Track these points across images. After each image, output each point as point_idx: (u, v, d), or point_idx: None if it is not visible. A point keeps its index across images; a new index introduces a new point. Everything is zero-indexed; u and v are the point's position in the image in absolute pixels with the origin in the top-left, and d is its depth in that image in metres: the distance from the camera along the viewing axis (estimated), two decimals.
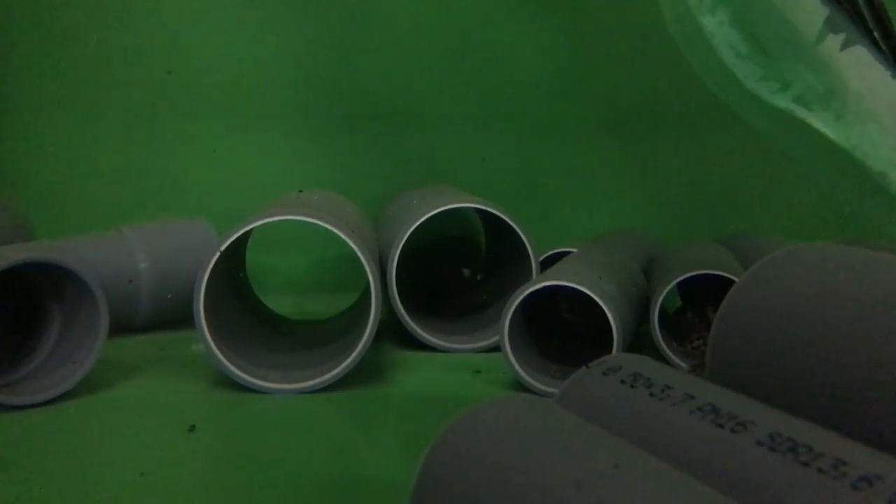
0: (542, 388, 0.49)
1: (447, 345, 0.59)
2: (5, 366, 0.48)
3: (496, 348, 0.53)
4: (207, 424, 0.44)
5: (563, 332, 0.59)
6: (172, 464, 0.39)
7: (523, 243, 0.60)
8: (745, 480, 0.21)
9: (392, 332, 0.62)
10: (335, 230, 0.50)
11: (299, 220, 0.50)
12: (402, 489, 0.26)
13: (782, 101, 0.44)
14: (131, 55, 0.80)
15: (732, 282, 0.49)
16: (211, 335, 0.48)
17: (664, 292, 0.55)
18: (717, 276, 0.54)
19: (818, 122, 0.44)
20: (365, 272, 0.50)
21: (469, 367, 0.55)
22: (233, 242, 0.50)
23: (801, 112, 0.44)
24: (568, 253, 0.62)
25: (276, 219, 0.50)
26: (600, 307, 0.48)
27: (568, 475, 0.21)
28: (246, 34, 0.82)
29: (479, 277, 0.71)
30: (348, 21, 0.82)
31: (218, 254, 0.49)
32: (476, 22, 0.83)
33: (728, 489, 0.21)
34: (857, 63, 0.44)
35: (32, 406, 0.45)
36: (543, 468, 0.21)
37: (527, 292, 0.50)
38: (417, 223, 0.58)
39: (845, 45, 0.43)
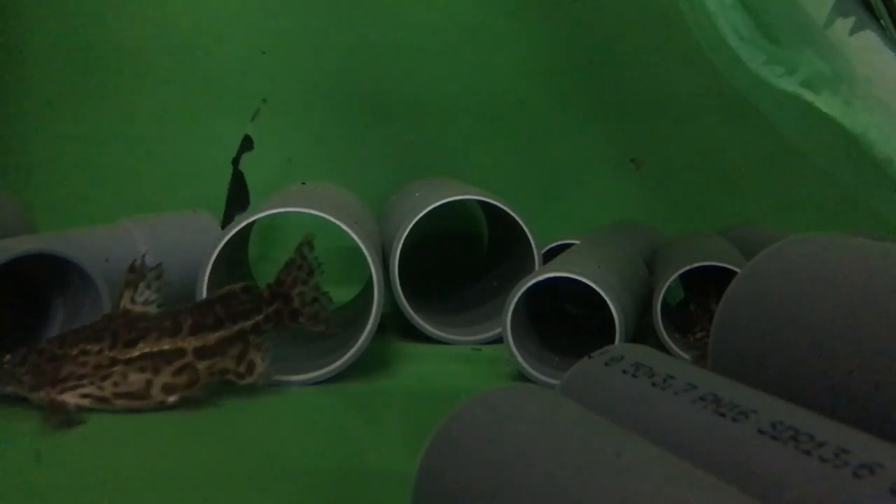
0: (545, 379, 0.49)
1: (450, 336, 0.59)
2: None
3: (499, 340, 0.53)
4: (210, 416, 0.44)
5: (565, 323, 0.59)
6: (177, 455, 0.40)
7: (526, 235, 0.59)
8: (747, 469, 0.21)
9: (395, 324, 0.62)
10: (338, 222, 0.50)
11: (302, 213, 0.50)
12: (404, 479, 0.26)
13: (788, 85, 0.44)
14: (135, 51, 0.80)
15: (735, 273, 0.49)
16: None
17: (667, 284, 0.55)
18: (720, 267, 0.54)
19: (826, 106, 0.43)
20: (367, 264, 0.50)
21: (472, 359, 0.55)
22: (235, 235, 0.50)
23: (808, 96, 0.43)
24: (570, 245, 0.62)
25: (278, 211, 0.50)
26: (603, 298, 0.48)
27: (569, 464, 0.21)
28: (250, 29, 0.81)
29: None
30: (352, 15, 0.82)
31: (220, 246, 0.49)
32: (479, 15, 0.83)
33: (730, 477, 0.21)
34: (865, 48, 0.43)
35: None
36: (544, 457, 0.21)
37: (529, 283, 0.50)
38: (420, 215, 0.58)
39: (854, 30, 0.43)
